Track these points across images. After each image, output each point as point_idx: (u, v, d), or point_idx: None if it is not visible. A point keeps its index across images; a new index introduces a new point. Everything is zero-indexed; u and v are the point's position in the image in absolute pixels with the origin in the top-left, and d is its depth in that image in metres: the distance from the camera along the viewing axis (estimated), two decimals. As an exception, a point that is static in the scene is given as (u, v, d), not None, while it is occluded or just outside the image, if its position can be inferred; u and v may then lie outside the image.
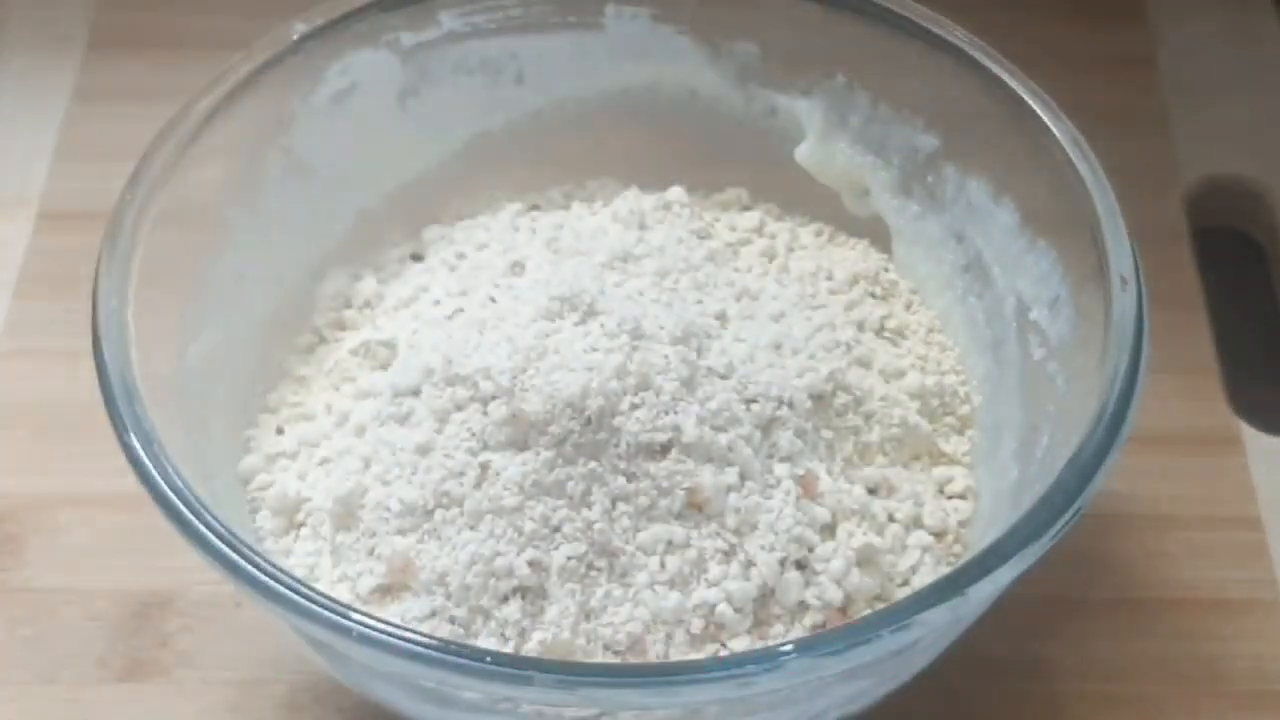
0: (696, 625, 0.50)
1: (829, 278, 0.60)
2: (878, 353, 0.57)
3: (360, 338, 0.58)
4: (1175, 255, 0.68)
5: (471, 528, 0.50)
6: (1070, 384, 0.53)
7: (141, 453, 0.48)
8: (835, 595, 0.51)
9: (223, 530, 0.46)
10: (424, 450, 0.52)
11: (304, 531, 0.54)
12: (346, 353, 0.58)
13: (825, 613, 0.51)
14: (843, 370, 0.55)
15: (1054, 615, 0.58)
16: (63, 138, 0.71)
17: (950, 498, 0.55)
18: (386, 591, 0.51)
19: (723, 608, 0.50)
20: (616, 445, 0.51)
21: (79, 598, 0.58)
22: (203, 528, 0.46)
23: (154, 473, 0.47)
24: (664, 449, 0.51)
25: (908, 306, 0.60)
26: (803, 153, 0.62)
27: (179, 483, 0.47)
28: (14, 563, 0.59)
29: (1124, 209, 0.53)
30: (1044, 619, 0.57)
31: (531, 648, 0.49)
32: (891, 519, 0.53)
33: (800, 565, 0.51)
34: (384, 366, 0.56)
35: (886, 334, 0.59)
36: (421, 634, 0.45)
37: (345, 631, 0.45)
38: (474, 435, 0.51)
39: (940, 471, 0.56)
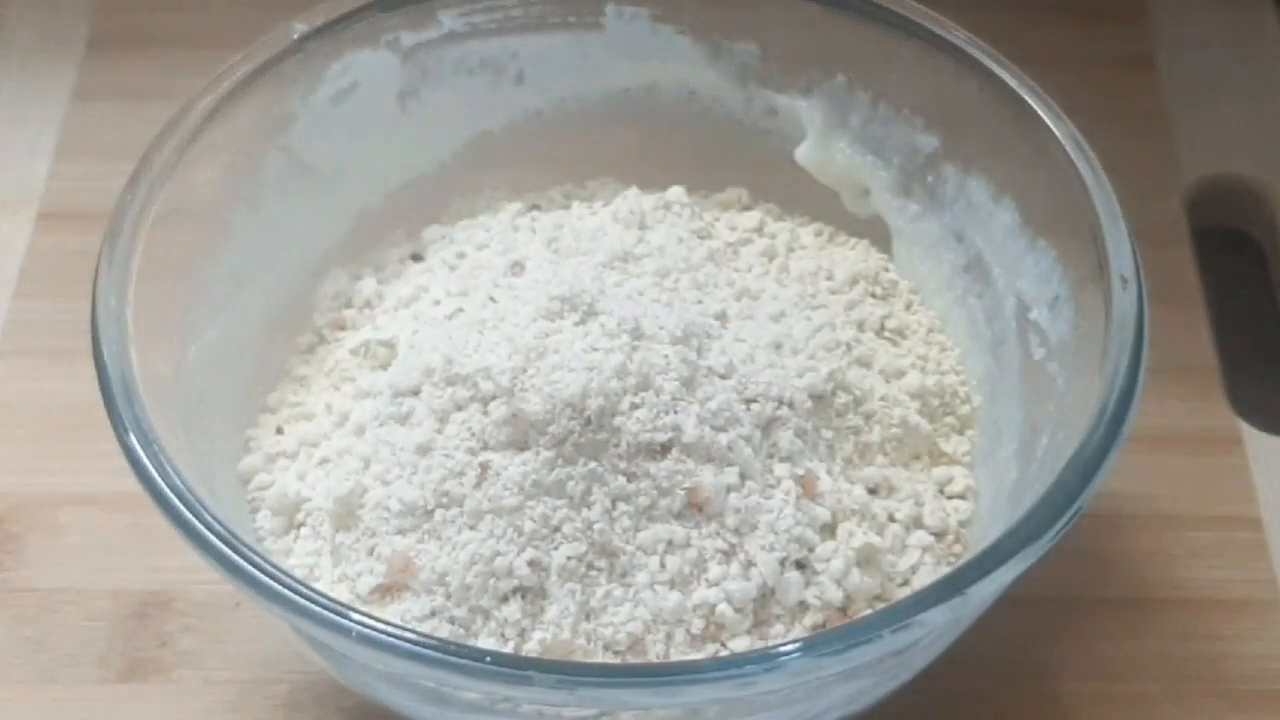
0: (696, 625, 0.50)
1: (829, 278, 0.60)
2: (878, 353, 0.57)
3: (360, 338, 0.58)
4: (1175, 255, 0.68)
5: (471, 527, 0.50)
6: (1070, 384, 0.53)
7: (141, 453, 0.48)
8: (835, 595, 0.51)
9: (222, 530, 0.46)
10: (424, 450, 0.52)
11: (304, 531, 0.54)
12: (347, 352, 0.58)
13: (825, 613, 0.51)
14: (843, 370, 0.55)
15: (1054, 615, 0.58)
16: (63, 138, 0.72)
17: (950, 498, 0.56)
18: (386, 591, 0.51)
19: (723, 608, 0.50)
20: (617, 445, 0.51)
21: (79, 598, 0.58)
22: (202, 528, 0.46)
23: (154, 473, 0.47)
24: (664, 449, 0.51)
25: (908, 306, 0.60)
26: (803, 153, 0.62)
27: (179, 483, 0.47)
28: (14, 562, 0.59)
29: (1124, 209, 0.53)
30: (1044, 619, 0.57)
31: (531, 648, 0.49)
32: (891, 519, 0.53)
33: (800, 565, 0.51)
34: (384, 366, 0.56)
35: (886, 334, 0.59)
36: (421, 634, 0.45)
37: (345, 631, 0.45)
38: (474, 435, 0.51)
39: (940, 471, 0.56)
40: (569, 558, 0.50)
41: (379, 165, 0.62)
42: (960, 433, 0.57)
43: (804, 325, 0.56)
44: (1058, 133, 0.55)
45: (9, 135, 0.72)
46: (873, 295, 0.60)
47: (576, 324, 0.53)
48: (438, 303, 0.58)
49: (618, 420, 0.51)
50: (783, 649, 0.45)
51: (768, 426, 0.53)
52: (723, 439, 0.51)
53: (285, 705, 0.55)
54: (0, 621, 0.57)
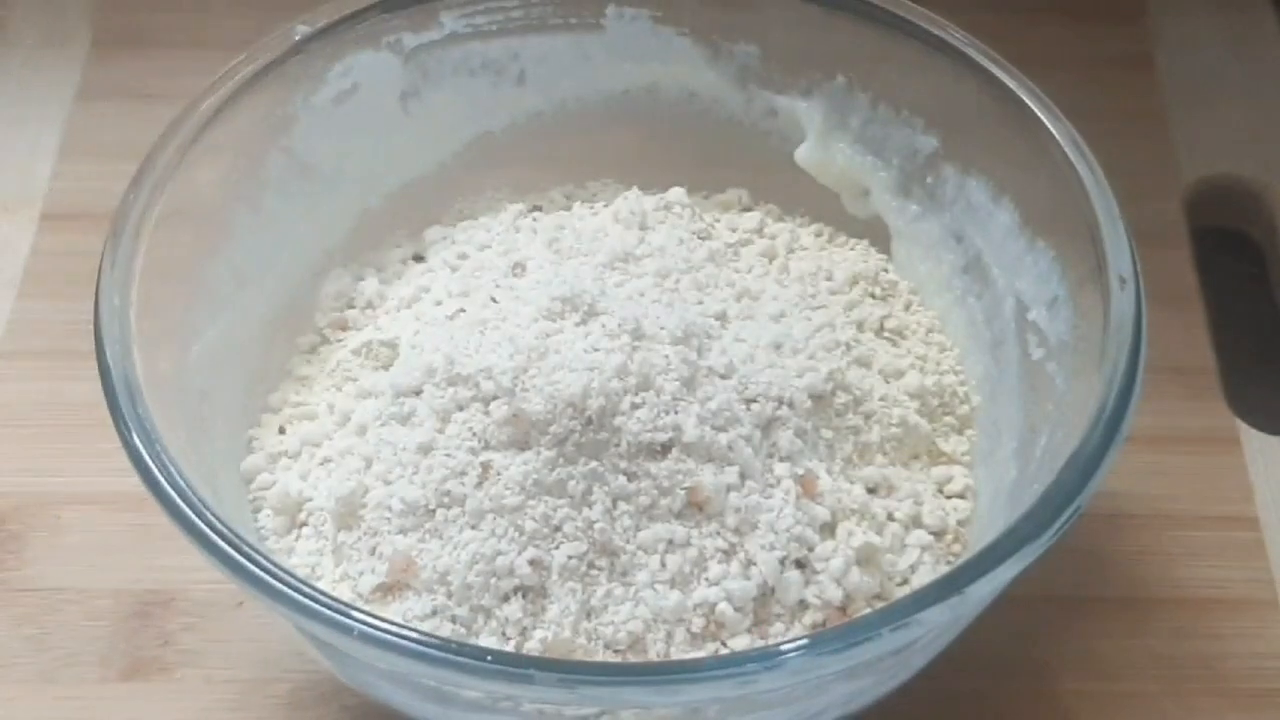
0: (697, 624, 0.50)
1: (829, 278, 0.60)
2: (877, 353, 0.57)
3: (362, 338, 0.58)
4: (1174, 255, 0.68)
5: (473, 527, 0.50)
6: (1069, 383, 0.53)
7: (144, 452, 0.48)
8: (835, 594, 0.51)
9: (225, 530, 0.47)
10: (425, 450, 0.52)
11: (306, 531, 0.54)
12: (348, 353, 0.58)
13: (825, 611, 0.51)
14: (842, 370, 0.55)
15: (1053, 614, 0.58)
16: (66, 138, 0.72)
17: (950, 497, 0.56)
18: (388, 590, 0.51)
19: (723, 606, 0.50)
20: (617, 445, 0.51)
21: (81, 597, 0.58)
22: (205, 527, 0.47)
23: (156, 472, 0.48)
24: (664, 449, 0.51)
25: (907, 307, 0.60)
26: (803, 154, 0.62)
27: (181, 482, 0.47)
28: (16, 562, 0.59)
29: (1123, 209, 0.53)
30: (1043, 618, 0.57)
31: (532, 646, 0.49)
32: (891, 518, 0.54)
33: (800, 564, 0.51)
34: (386, 366, 0.57)
35: (886, 334, 0.59)
36: (423, 633, 0.45)
37: (347, 630, 0.45)
38: (475, 435, 0.51)
39: (940, 471, 0.56)
40: (570, 557, 0.50)
41: (381, 166, 0.62)
42: (959, 432, 0.57)
43: (804, 325, 0.56)
44: (1057, 133, 0.55)
45: (12, 135, 0.72)
46: (872, 296, 0.60)
47: (577, 324, 0.53)
48: (439, 303, 0.58)
49: (618, 420, 0.51)
50: (783, 648, 0.45)
51: (768, 426, 0.53)
52: (723, 439, 0.52)
53: (287, 704, 0.56)
54: (2, 621, 0.57)
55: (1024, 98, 0.56)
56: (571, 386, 0.51)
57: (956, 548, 0.54)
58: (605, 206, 0.61)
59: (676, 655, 0.50)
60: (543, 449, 0.51)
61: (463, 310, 0.56)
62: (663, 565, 0.50)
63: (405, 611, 0.50)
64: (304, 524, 0.54)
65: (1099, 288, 0.52)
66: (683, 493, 0.51)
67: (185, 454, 0.49)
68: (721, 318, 0.56)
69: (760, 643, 0.50)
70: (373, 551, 0.52)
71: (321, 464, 0.55)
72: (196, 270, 0.56)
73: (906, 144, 0.60)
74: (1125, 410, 0.49)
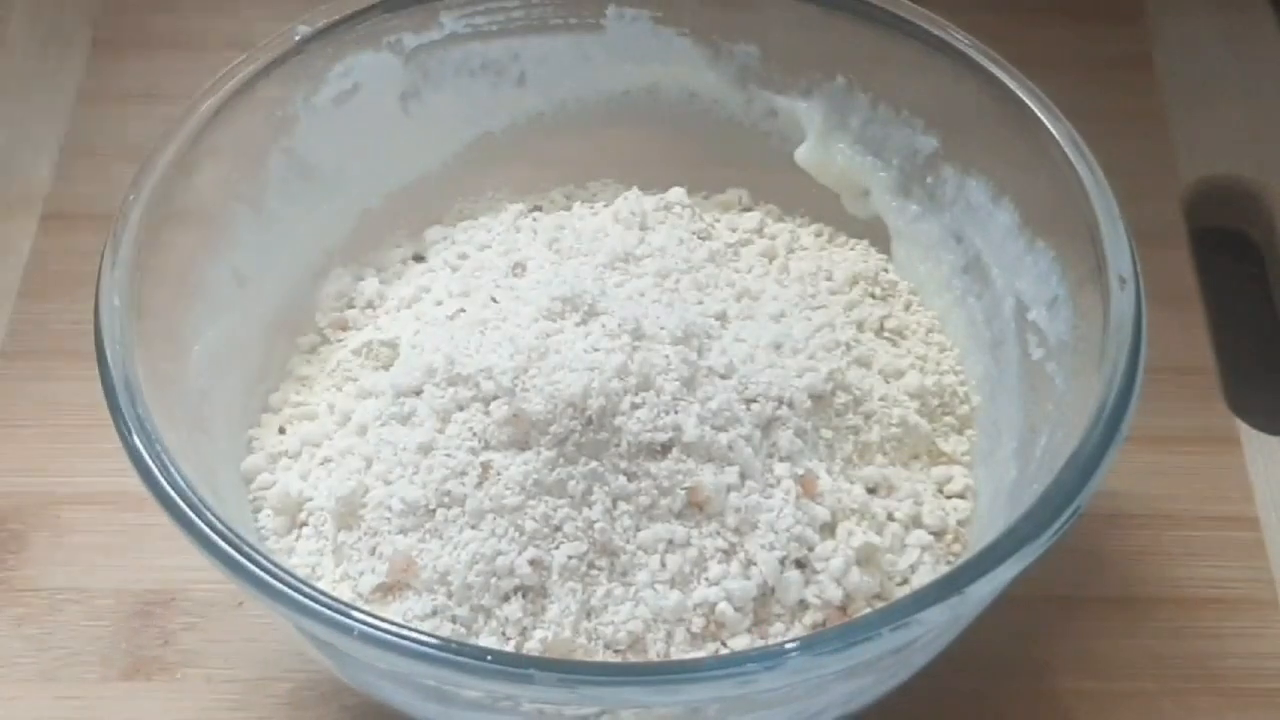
0: (697, 624, 0.50)
1: (829, 278, 0.60)
2: (877, 353, 0.57)
3: (362, 338, 0.58)
4: (1173, 255, 0.68)
5: (473, 527, 0.50)
6: (1069, 383, 0.53)
7: (144, 452, 0.48)
8: (835, 594, 0.51)
9: (225, 530, 0.47)
10: (426, 450, 0.52)
11: (306, 531, 0.54)
12: (349, 353, 0.58)
13: (825, 611, 0.51)
14: (842, 370, 0.55)
15: (1053, 614, 0.58)
16: (67, 138, 0.72)
17: (949, 497, 0.56)
18: (388, 590, 0.51)
19: (723, 606, 0.50)
20: (617, 445, 0.51)
21: (82, 596, 0.58)
22: (205, 527, 0.47)
23: (157, 472, 0.48)
24: (665, 448, 0.51)
25: (907, 307, 0.60)
26: (803, 154, 0.62)
27: (181, 482, 0.47)
28: (18, 561, 0.59)
29: (1122, 209, 0.53)
30: (1043, 617, 0.58)
31: (532, 646, 0.49)
32: (891, 518, 0.54)
33: (800, 564, 0.51)
34: (386, 366, 0.57)
35: (886, 334, 0.59)
36: (423, 633, 0.45)
37: (347, 630, 0.45)
38: (475, 435, 0.51)
39: (939, 471, 0.56)
40: (570, 557, 0.50)
41: (381, 166, 0.62)
42: (959, 432, 0.57)
43: (804, 325, 0.56)
44: (1056, 134, 0.55)
45: (14, 136, 0.72)
46: (872, 296, 0.60)
47: (578, 324, 0.53)
48: (440, 303, 0.58)
49: (618, 420, 0.51)
50: (783, 648, 0.45)
51: (768, 426, 0.53)
52: (723, 439, 0.52)
53: (287, 703, 0.56)
54: (3, 620, 0.57)
55: (1024, 98, 0.56)
56: (572, 386, 0.51)
57: (956, 548, 0.54)
58: (605, 206, 0.61)
59: (676, 655, 0.50)
60: (543, 449, 0.51)
61: (463, 310, 0.56)
62: (663, 565, 0.50)
63: (405, 611, 0.50)
64: (304, 524, 0.54)
65: (1099, 288, 0.52)
66: (683, 493, 0.51)
67: (185, 454, 0.49)
68: (721, 318, 0.56)
69: (760, 643, 0.50)
70: (373, 551, 0.52)
71: (321, 464, 0.55)
72: (196, 270, 0.56)
73: (906, 144, 0.60)
74: (1125, 410, 0.49)
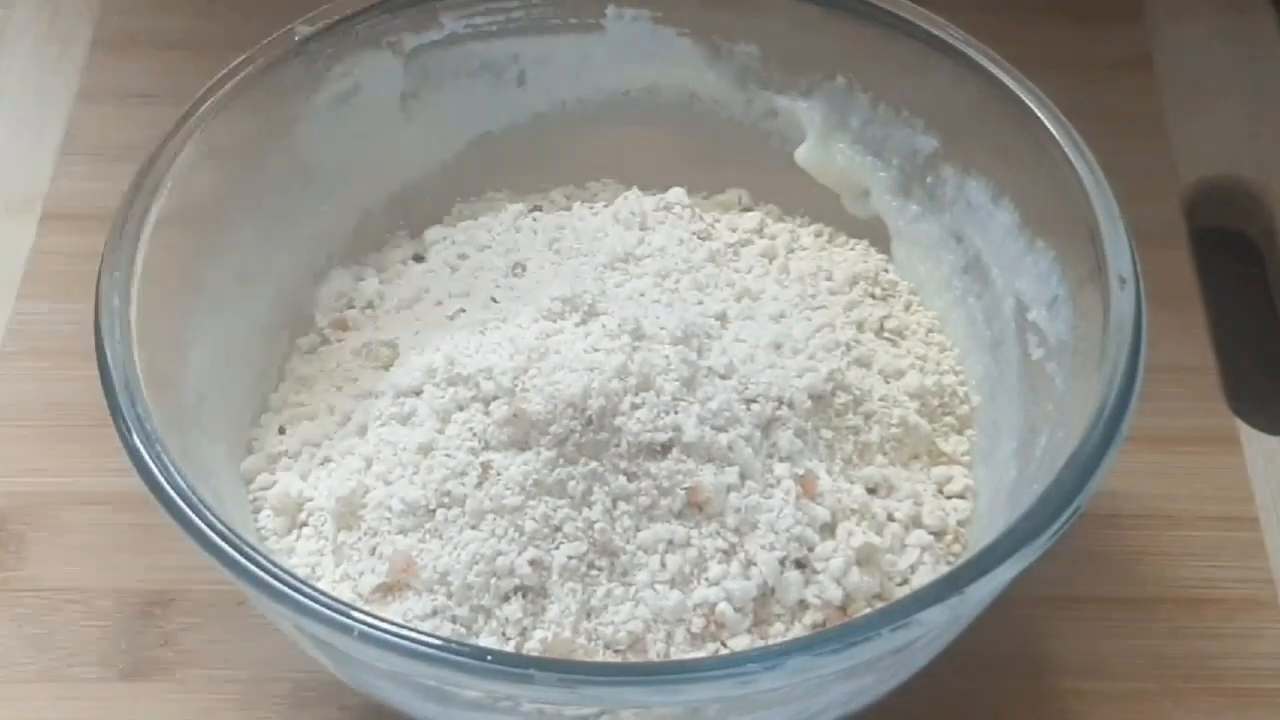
0: (697, 624, 0.50)
1: (829, 278, 0.60)
2: (877, 353, 0.57)
3: (362, 338, 0.58)
4: (1173, 255, 0.68)
5: (473, 527, 0.50)
6: (1069, 383, 0.53)
7: (144, 452, 0.48)
8: (835, 594, 0.51)
9: (225, 530, 0.47)
10: (426, 450, 0.52)
11: (306, 531, 0.54)
12: (349, 353, 0.58)
13: (825, 611, 0.51)
14: (842, 370, 0.55)
15: (1052, 614, 0.58)
16: (66, 138, 0.72)
17: (949, 497, 0.56)
18: (388, 591, 0.51)
19: (723, 606, 0.50)
20: (617, 445, 0.51)
21: (82, 597, 0.58)
22: (205, 527, 0.47)
23: (157, 473, 0.48)
24: (664, 449, 0.51)
25: (907, 307, 0.60)
26: (803, 154, 0.62)
27: (181, 482, 0.47)
28: (18, 561, 0.59)
29: (1122, 209, 0.53)
30: (1042, 617, 0.58)
31: (532, 646, 0.49)
32: (891, 518, 0.54)
33: (800, 564, 0.51)
34: (386, 367, 0.57)
35: (886, 334, 0.59)
36: (423, 633, 0.45)
37: (347, 630, 0.45)
38: (475, 435, 0.51)
39: (939, 471, 0.56)
40: (570, 557, 0.50)
41: (381, 166, 0.62)
42: (959, 432, 0.57)
43: (804, 325, 0.57)
44: (1056, 134, 0.55)
45: (13, 136, 0.72)
46: (872, 296, 0.60)
47: (578, 324, 0.54)
48: (440, 303, 0.58)
49: (618, 420, 0.51)
50: (783, 647, 0.45)
51: (768, 426, 0.53)
52: (723, 439, 0.52)
53: (288, 703, 0.56)
54: (4, 621, 0.57)
55: (1024, 98, 0.56)
56: (572, 387, 0.51)
57: (956, 548, 0.54)
58: (605, 206, 0.61)
59: (676, 655, 0.50)
60: (543, 449, 0.51)
61: (463, 310, 0.56)
62: (663, 565, 0.50)
63: (405, 611, 0.50)
64: (304, 524, 0.54)
65: (1099, 288, 0.52)
66: (683, 493, 0.51)
67: (185, 454, 0.49)
68: (721, 318, 0.56)
69: (760, 643, 0.50)
70: (373, 551, 0.52)
71: (322, 464, 0.55)
72: (196, 271, 0.56)
73: (906, 144, 0.60)
74: (1125, 410, 0.49)
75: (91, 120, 0.72)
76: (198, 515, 0.47)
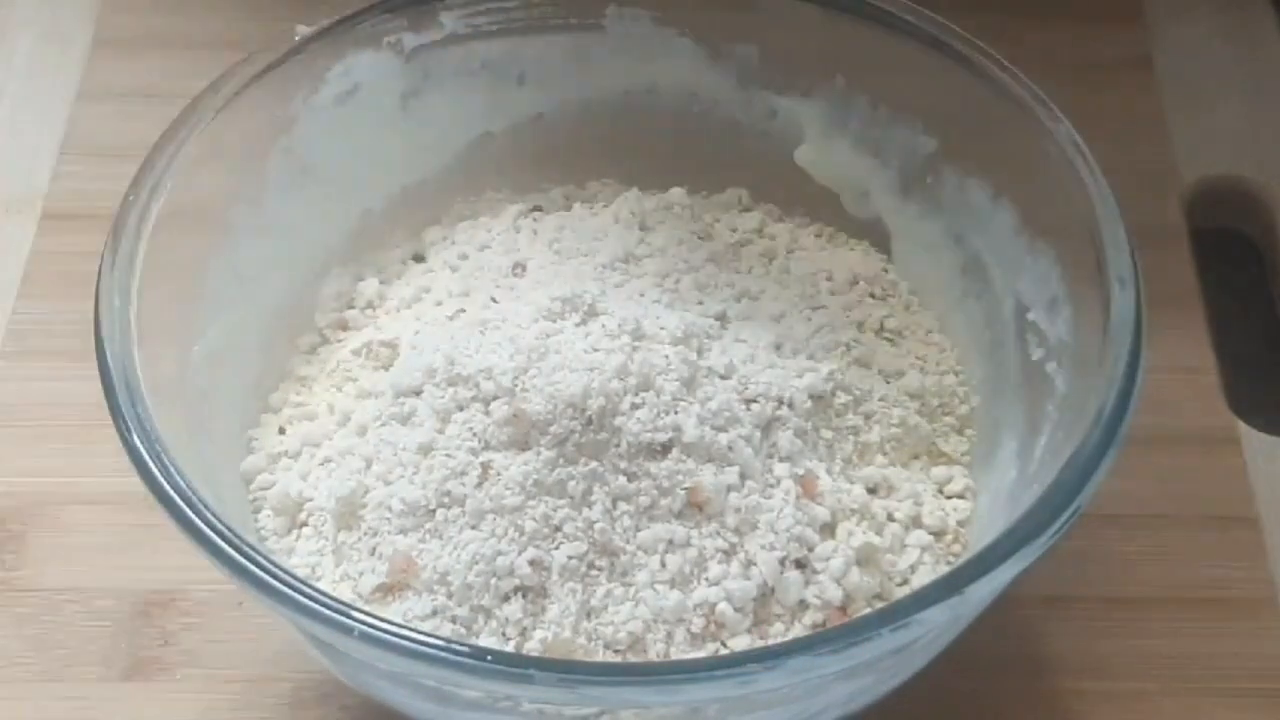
0: (697, 624, 0.50)
1: (829, 278, 0.60)
2: (877, 353, 0.57)
3: (362, 338, 0.58)
4: (1173, 256, 0.68)
5: (473, 527, 0.50)
6: (1069, 384, 0.53)
7: (144, 452, 0.48)
8: (835, 594, 0.51)
9: (225, 530, 0.47)
10: (426, 450, 0.52)
11: (306, 531, 0.54)
12: (349, 353, 0.58)
13: (825, 611, 0.51)
14: (842, 370, 0.55)
15: (1053, 614, 0.58)
16: (67, 138, 0.72)
17: (949, 497, 0.56)
18: (388, 591, 0.51)
19: (723, 606, 0.50)
20: (617, 445, 0.51)
21: (82, 597, 0.58)
22: (205, 527, 0.47)
23: (156, 473, 0.48)
24: (664, 449, 0.51)
25: (907, 307, 0.60)
26: (803, 154, 0.62)
27: (181, 482, 0.47)
28: (18, 562, 0.59)
29: (1122, 210, 0.53)
30: (1043, 617, 0.58)
31: (532, 647, 0.49)
32: (891, 518, 0.54)
33: (800, 564, 0.51)
34: (386, 367, 0.57)
35: (886, 334, 0.59)
36: (423, 633, 0.45)
37: (347, 630, 0.45)
38: (475, 435, 0.51)
39: (939, 471, 0.56)
40: (570, 557, 0.50)
41: (381, 166, 0.62)
42: (959, 432, 0.57)
43: (804, 326, 0.57)
44: (1056, 134, 0.55)
45: (13, 135, 0.72)
46: (872, 296, 0.60)
47: (578, 324, 0.54)
48: (440, 303, 0.58)
49: (618, 420, 0.51)
50: (783, 647, 0.45)
51: (768, 426, 0.53)
52: (723, 439, 0.52)
53: (288, 703, 0.56)
54: (3, 620, 0.57)
55: (1024, 99, 0.56)
56: (572, 387, 0.51)
57: (956, 548, 0.54)
58: (605, 206, 0.61)
59: (676, 655, 0.50)
60: (543, 449, 0.51)
61: (463, 310, 0.56)
62: (663, 565, 0.50)
63: (405, 611, 0.50)
64: (304, 524, 0.54)
65: (1099, 288, 0.52)
66: (683, 493, 0.51)
67: (185, 454, 0.49)
68: (722, 318, 0.56)
69: (760, 643, 0.50)
70: (373, 551, 0.52)
71: (321, 464, 0.55)
72: (196, 270, 0.56)
73: (906, 144, 0.60)
74: (1125, 410, 0.49)
75: (91, 120, 0.72)
76: (198, 515, 0.47)
